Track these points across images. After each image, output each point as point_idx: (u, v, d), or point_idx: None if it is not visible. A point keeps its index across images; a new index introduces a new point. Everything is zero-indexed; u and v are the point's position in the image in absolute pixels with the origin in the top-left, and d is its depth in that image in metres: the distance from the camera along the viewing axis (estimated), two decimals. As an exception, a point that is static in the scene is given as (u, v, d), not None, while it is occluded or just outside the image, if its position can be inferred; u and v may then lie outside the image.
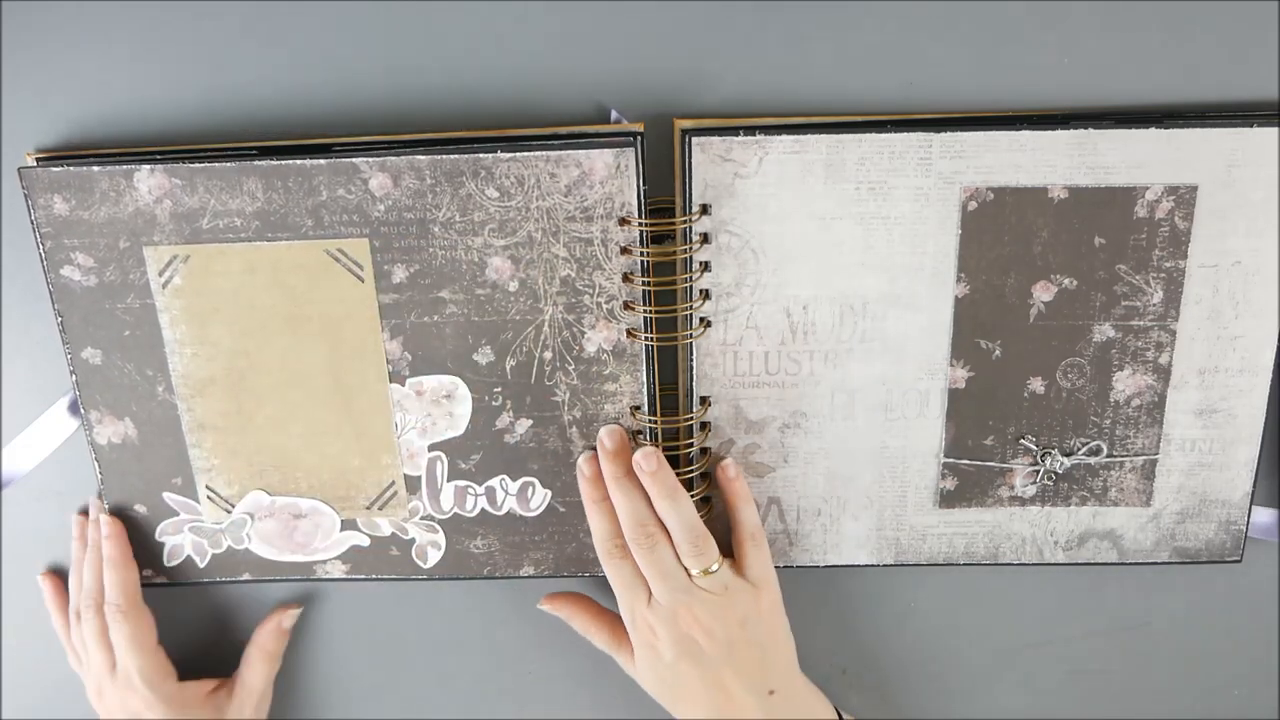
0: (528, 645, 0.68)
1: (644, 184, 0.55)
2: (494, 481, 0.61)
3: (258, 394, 0.60)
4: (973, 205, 0.56)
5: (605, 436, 0.60)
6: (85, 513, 0.65)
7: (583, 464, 0.60)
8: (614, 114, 0.57)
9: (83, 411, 0.60)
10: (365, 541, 0.63)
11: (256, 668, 0.66)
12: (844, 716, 0.63)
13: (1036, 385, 0.59)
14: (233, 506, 0.62)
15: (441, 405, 0.60)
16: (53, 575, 0.67)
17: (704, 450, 0.61)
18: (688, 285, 0.57)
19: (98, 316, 0.58)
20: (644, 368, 0.59)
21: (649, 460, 0.59)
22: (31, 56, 0.57)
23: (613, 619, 0.63)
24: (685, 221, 0.56)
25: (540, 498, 0.62)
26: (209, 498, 0.62)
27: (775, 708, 0.59)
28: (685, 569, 0.58)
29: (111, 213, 0.56)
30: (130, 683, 0.63)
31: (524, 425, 0.60)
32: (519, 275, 0.57)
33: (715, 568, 0.58)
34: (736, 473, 0.60)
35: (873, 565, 0.64)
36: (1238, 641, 0.67)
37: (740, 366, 0.59)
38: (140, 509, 0.63)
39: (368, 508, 0.62)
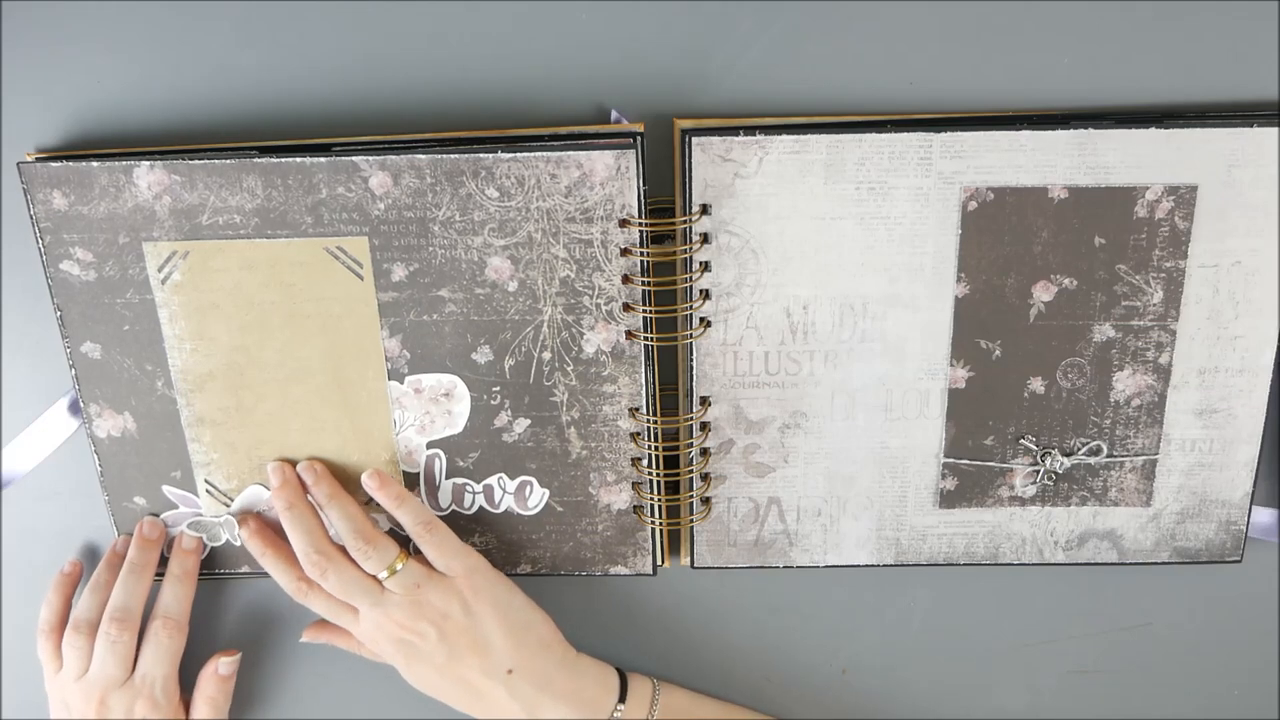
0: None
1: (644, 184, 0.55)
2: (492, 480, 0.62)
3: (257, 390, 0.60)
4: (973, 205, 0.56)
5: (271, 473, 0.61)
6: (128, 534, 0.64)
7: (241, 529, 0.62)
8: (614, 114, 0.57)
9: (82, 405, 0.60)
10: (364, 539, 0.63)
11: (202, 711, 0.65)
12: (655, 684, 0.65)
13: (1036, 385, 0.59)
14: (231, 500, 0.62)
15: (440, 403, 0.60)
16: (68, 579, 0.65)
17: (704, 451, 0.61)
18: (688, 285, 0.57)
19: (97, 311, 0.58)
20: (643, 368, 0.59)
21: (308, 473, 0.60)
22: (32, 55, 0.57)
23: None
24: (685, 221, 0.56)
25: (538, 496, 0.62)
26: (208, 491, 0.62)
27: (517, 686, 0.60)
28: (373, 577, 0.59)
29: (111, 208, 0.56)
30: (149, 693, 0.62)
31: (522, 424, 0.60)
32: (518, 275, 0.57)
33: (400, 566, 0.59)
34: (379, 482, 0.61)
35: (873, 565, 0.64)
36: (1238, 641, 0.67)
37: (740, 366, 0.59)
38: (140, 501, 0.63)
39: (366, 504, 0.62)
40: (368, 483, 0.61)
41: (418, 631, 0.59)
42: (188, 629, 0.64)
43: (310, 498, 0.61)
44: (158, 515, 0.63)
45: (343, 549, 0.60)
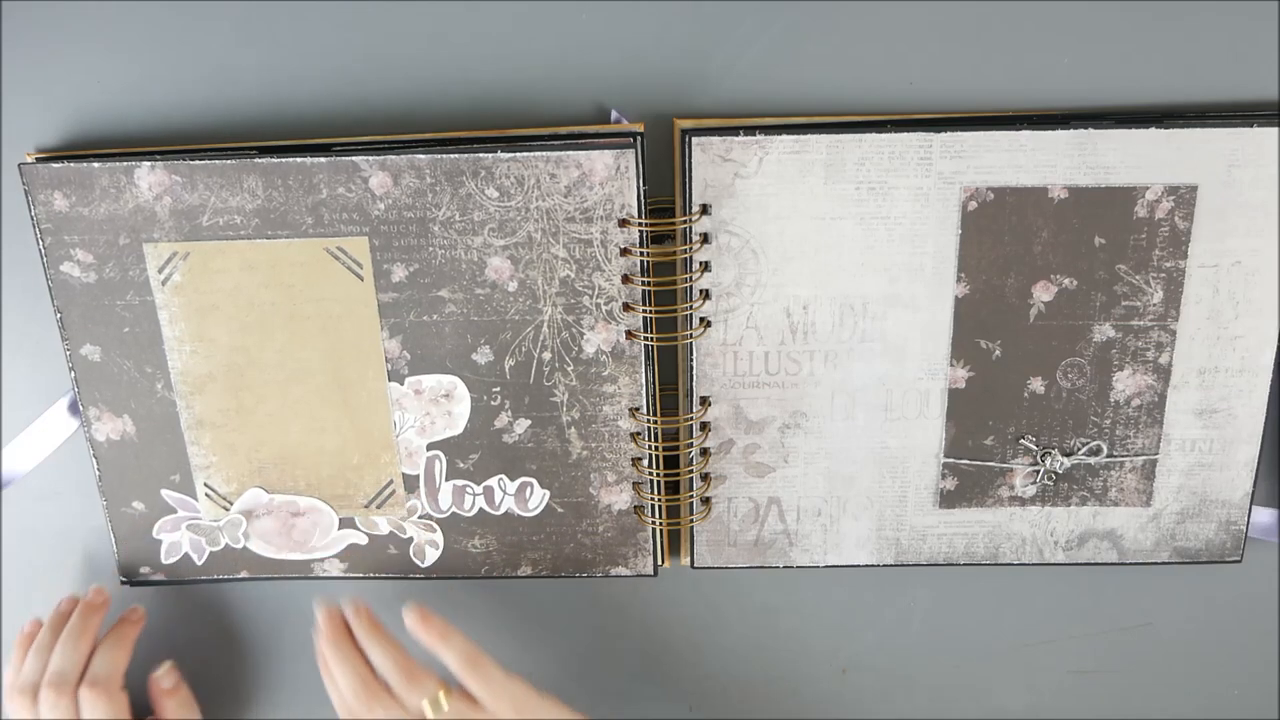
0: (524, 645, 0.68)
1: (644, 184, 0.55)
2: (492, 481, 0.61)
3: (256, 391, 0.60)
4: (973, 205, 0.56)
5: (318, 613, 0.62)
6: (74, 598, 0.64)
7: (317, 640, 0.62)
8: (614, 114, 0.57)
9: (81, 408, 0.60)
10: (363, 540, 0.63)
11: None
12: None
13: (1036, 385, 0.59)
14: (231, 504, 0.62)
15: (440, 404, 0.60)
16: (26, 639, 0.64)
17: (704, 451, 0.61)
18: (688, 285, 0.57)
19: (97, 313, 0.58)
20: (643, 368, 0.59)
21: (351, 612, 0.61)
22: (32, 56, 0.57)
23: None
24: (685, 221, 0.56)
25: (538, 498, 0.62)
26: (207, 495, 0.62)
27: None
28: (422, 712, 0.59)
29: (111, 209, 0.56)
30: None
31: (522, 425, 0.60)
32: (518, 275, 0.57)
33: (444, 703, 0.58)
34: (421, 620, 0.60)
35: (873, 565, 0.64)
36: (1238, 641, 0.67)
37: (740, 366, 0.59)
38: (138, 506, 0.63)
39: (366, 506, 0.62)
40: (410, 622, 0.60)
41: None
42: (124, 695, 0.62)
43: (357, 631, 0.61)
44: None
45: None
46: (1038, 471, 0.61)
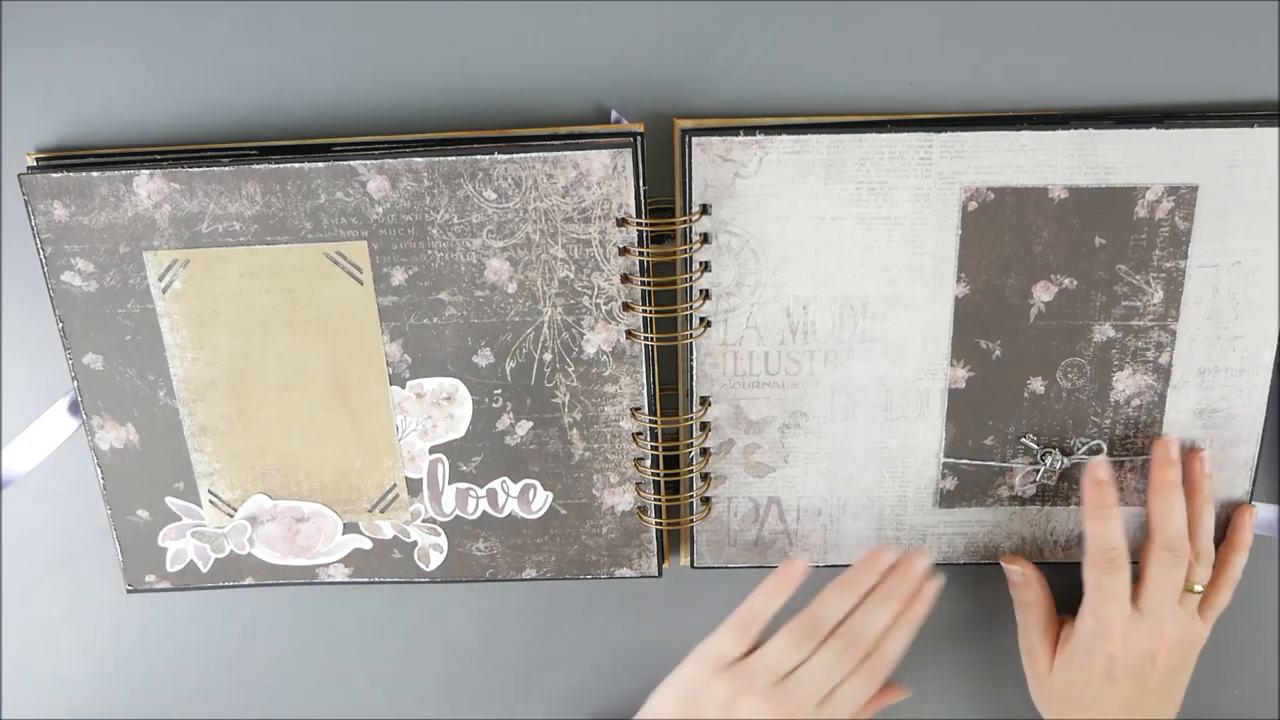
0: (529, 647, 0.69)
1: (644, 184, 0.55)
2: (495, 484, 0.62)
3: (258, 397, 0.60)
4: (973, 205, 0.56)
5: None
6: None
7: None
8: (614, 114, 0.57)
9: (84, 417, 0.60)
10: (367, 544, 0.63)
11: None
12: None
13: (1036, 385, 0.59)
14: (235, 510, 0.62)
15: (442, 407, 0.60)
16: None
17: (704, 451, 0.61)
18: (688, 285, 0.57)
19: (99, 322, 0.58)
20: (644, 368, 0.59)
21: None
22: (31, 56, 0.57)
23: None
24: (685, 221, 0.56)
25: (541, 500, 0.62)
26: (211, 502, 0.62)
27: None
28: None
29: (111, 218, 0.56)
30: None
31: (524, 427, 0.60)
32: (517, 277, 0.57)
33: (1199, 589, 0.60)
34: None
35: (873, 565, 0.64)
36: (1238, 641, 0.67)
37: (740, 366, 0.59)
38: (143, 514, 0.63)
39: (369, 510, 0.62)
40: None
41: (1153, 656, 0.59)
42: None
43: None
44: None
45: None
46: (1037, 471, 0.61)
